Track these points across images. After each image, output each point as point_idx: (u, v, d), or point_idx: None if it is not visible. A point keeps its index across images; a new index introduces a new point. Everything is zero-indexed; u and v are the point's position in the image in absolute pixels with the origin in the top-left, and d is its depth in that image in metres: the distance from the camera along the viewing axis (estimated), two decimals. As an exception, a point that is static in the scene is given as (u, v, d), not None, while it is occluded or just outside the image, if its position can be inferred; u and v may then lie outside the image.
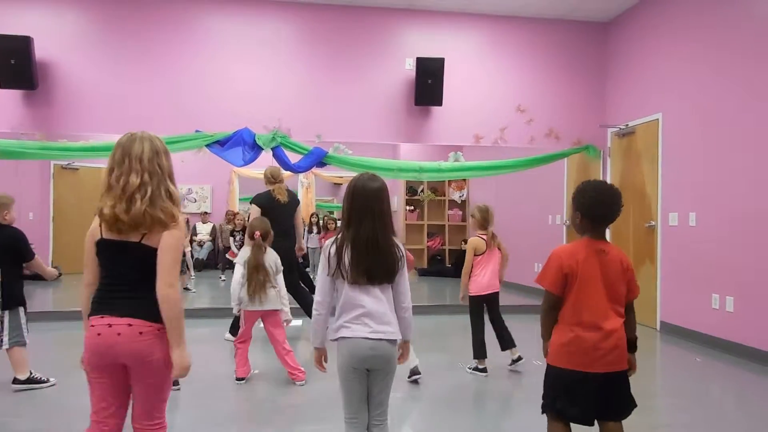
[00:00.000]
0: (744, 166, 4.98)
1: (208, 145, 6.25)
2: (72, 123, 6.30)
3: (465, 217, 11.43)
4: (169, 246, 1.92)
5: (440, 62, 6.56)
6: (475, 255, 4.29)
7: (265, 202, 5.22)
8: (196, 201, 11.78)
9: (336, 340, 2.22)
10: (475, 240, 4.31)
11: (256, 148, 6.33)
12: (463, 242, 10.89)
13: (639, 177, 6.46)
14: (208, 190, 11.86)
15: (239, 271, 3.97)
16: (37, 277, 6.20)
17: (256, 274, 3.87)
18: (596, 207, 2.31)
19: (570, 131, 7.08)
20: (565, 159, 7.33)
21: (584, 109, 7.13)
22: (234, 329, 5.09)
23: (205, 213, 11.47)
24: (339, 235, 2.22)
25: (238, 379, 3.98)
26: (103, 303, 1.95)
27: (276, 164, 5.99)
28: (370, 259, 2.14)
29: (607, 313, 2.25)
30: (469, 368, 4.32)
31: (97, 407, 1.98)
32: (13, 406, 3.51)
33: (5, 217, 3.73)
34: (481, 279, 4.28)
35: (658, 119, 6.13)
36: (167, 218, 1.92)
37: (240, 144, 6.26)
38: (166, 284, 1.89)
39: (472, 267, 4.30)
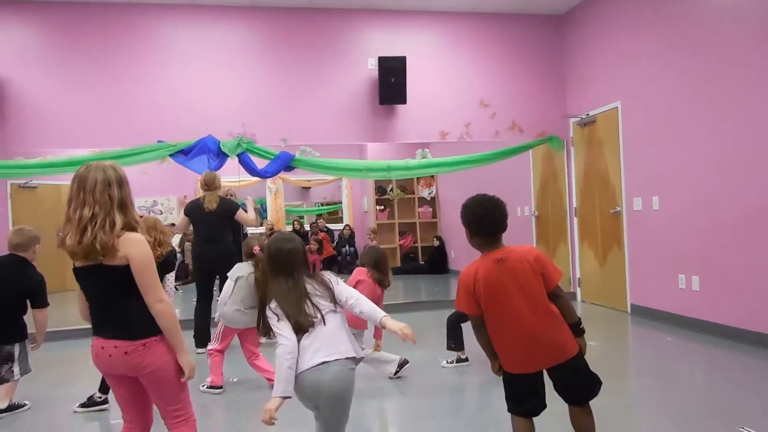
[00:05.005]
0: (702, 149, 5.13)
1: (172, 155, 6.15)
2: (28, 140, 6.10)
3: (435, 214, 11.50)
4: (142, 261, 2.03)
5: (402, 61, 6.58)
6: None
7: (190, 208, 5.22)
8: (162, 213, 11.56)
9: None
10: None
11: (221, 156, 6.25)
12: (435, 239, 10.96)
13: (602, 165, 6.60)
14: (174, 201, 11.65)
15: (230, 286, 3.92)
16: None
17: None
18: (480, 220, 2.34)
19: (533, 123, 7.19)
20: (530, 151, 7.44)
21: (546, 100, 7.25)
22: (199, 340, 5.05)
23: (172, 224, 11.26)
24: (264, 292, 2.36)
25: (212, 387, 3.92)
26: (94, 325, 2.13)
27: (213, 171, 5.81)
28: (302, 313, 2.23)
29: (532, 316, 2.25)
30: (450, 362, 4.35)
31: (122, 408, 2.21)
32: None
33: (35, 251, 3.73)
34: None
35: (617, 107, 6.27)
36: (102, 250, 1.98)
37: (205, 152, 6.17)
38: (155, 300, 2.03)
39: None
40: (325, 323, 2.24)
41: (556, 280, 2.32)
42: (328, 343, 2.20)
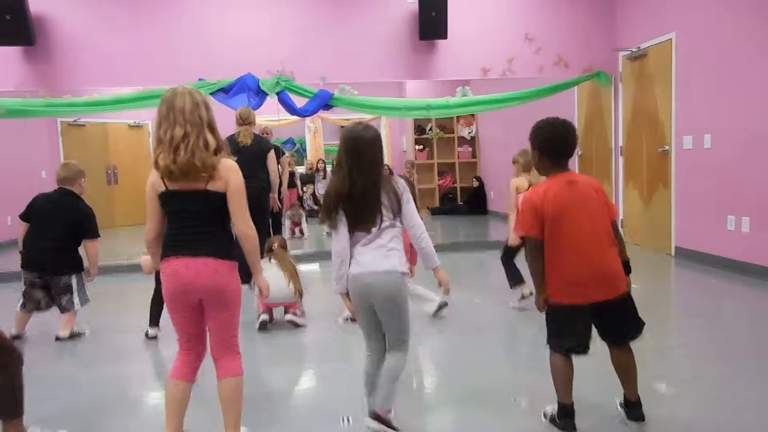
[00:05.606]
0: (759, 85, 4.84)
1: (212, 94, 6.18)
2: (75, 78, 6.25)
3: (475, 154, 11.34)
4: (239, 189, 2.15)
5: (443, -7, 6.33)
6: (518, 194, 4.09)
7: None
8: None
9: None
10: (516, 180, 4.17)
11: (261, 94, 6.25)
12: (474, 179, 10.85)
13: (652, 101, 6.32)
14: (216, 140, 11.81)
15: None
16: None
17: (297, 277, 3.95)
18: (552, 142, 2.33)
19: (580, 58, 6.89)
20: (575, 88, 7.17)
21: (594, 33, 6.90)
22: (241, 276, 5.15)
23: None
24: (330, 185, 2.27)
25: (262, 322, 3.96)
26: (177, 245, 2.15)
27: (249, 106, 5.73)
28: (368, 209, 2.19)
29: (594, 242, 2.24)
30: (520, 300, 4.19)
31: (180, 336, 2.25)
32: (56, 356, 3.68)
33: (81, 184, 3.89)
34: None
35: (671, 39, 5.92)
36: (203, 168, 2.07)
37: (244, 90, 6.17)
38: (245, 225, 2.17)
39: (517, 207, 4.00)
40: (381, 236, 2.22)
41: (614, 214, 2.35)
42: (382, 254, 2.21)
